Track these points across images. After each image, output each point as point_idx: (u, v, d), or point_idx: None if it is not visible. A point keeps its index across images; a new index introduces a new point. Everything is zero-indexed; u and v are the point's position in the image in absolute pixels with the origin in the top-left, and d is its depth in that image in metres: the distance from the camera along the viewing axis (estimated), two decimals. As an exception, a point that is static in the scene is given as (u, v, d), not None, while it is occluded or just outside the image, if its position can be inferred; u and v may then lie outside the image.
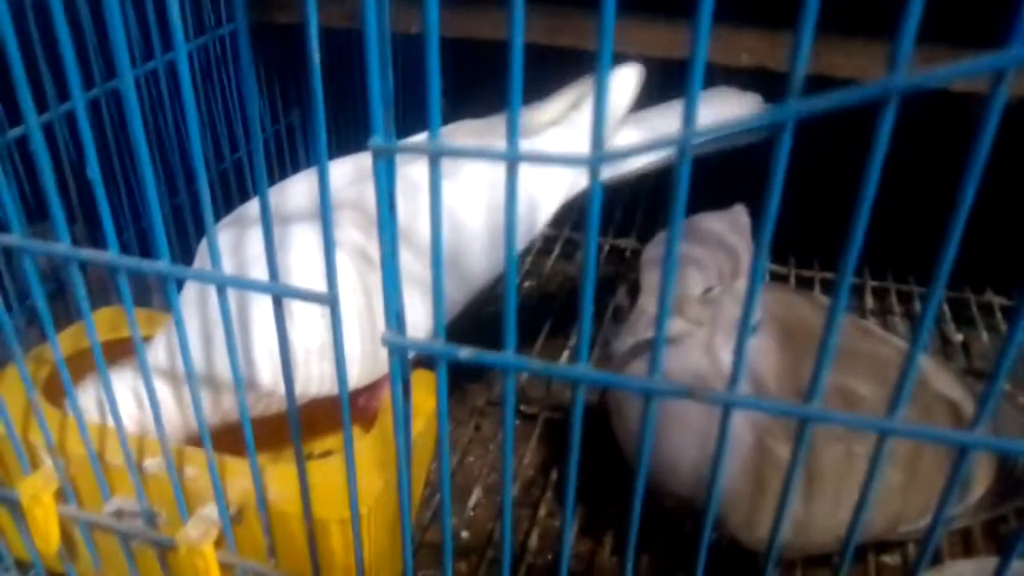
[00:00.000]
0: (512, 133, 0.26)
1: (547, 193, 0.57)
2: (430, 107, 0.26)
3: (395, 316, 0.32)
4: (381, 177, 0.28)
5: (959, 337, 0.89)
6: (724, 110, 0.61)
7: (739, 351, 0.28)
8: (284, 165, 0.93)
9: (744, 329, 0.27)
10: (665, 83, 0.66)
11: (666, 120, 0.61)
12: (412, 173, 0.51)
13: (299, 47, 0.89)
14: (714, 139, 0.58)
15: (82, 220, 0.68)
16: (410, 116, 1.04)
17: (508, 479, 0.33)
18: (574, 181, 0.59)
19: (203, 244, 0.56)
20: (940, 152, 0.70)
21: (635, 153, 0.26)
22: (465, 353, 0.30)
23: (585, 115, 0.60)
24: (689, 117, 0.24)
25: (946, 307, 0.92)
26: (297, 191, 0.54)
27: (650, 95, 0.64)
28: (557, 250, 1.02)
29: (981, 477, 0.53)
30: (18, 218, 0.39)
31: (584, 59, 0.70)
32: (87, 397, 0.52)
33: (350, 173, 0.55)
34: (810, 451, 0.48)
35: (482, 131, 0.59)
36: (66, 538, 0.52)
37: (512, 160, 0.26)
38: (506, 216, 0.27)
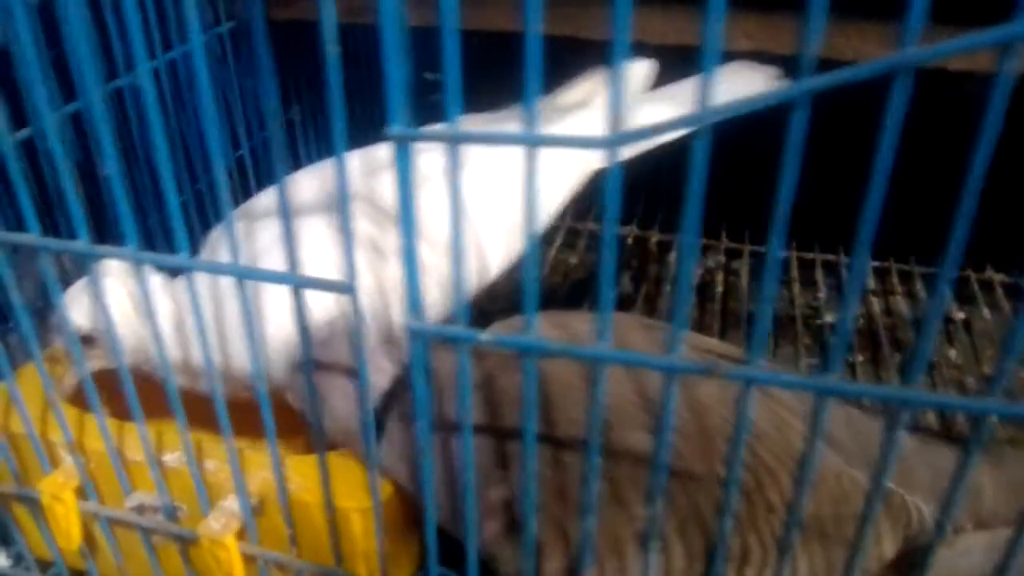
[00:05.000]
0: (531, 117, 0.26)
1: (556, 180, 0.58)
2: (448, 94, 0.27)
3: (415, 303, 0.32)
4: (401, 164, 0.29)
5: (961, 315, 0.90)
6: (739, 84, 0.62)
7: (760, 322, 0.28)
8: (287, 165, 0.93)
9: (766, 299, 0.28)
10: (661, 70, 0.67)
11: (682, 95, 0.62)
12: (418, 163, 0.51)
13: (299, 43, 0.89)
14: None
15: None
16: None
17: (531, 463, 0.34)
18: (584, 167, 0.59)
19: (210, 238, 0.56)
20: (933, 133, 0.70)
21: (652, 134, 0.26)
22: (486, 337, 0.31)
23: (597, 105, 0.61)
24: (706, 95, 0.25)
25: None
26: (305, 184, 0.55)
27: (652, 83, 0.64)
28: (559, 240, 1.02)
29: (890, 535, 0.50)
30: (35, 217, 0.40)
31: (587, 51, 0.70)
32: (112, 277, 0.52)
33: (358, 167, 0.55)
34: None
35: (488, 124, 0.60)
36: (87, 535, 0.52)
37: (531, 144, 0.27)
38: (526, 200, 0.28)
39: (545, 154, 0.57)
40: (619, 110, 0.25)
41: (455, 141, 0.28)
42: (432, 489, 0.37)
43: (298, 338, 0.50)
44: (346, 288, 0.34)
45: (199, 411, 0.46)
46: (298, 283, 0.35)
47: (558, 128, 0.58)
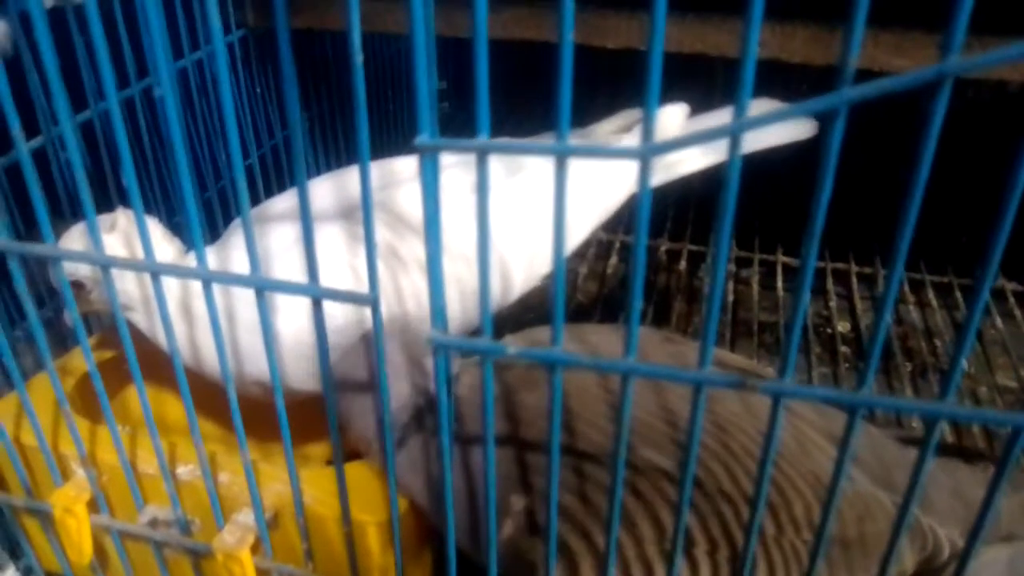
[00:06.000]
0: (562, 127, 0.26)
1: (588, 206, 0.58)
2: (478, 106, 0.26)
3: (440, 315, 0.32)
4: (428, 175, 0.28)
5: (972, 324, 0.90)
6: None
7: (791, 336, 0.28)
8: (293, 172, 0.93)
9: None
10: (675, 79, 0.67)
11: (716, 123, 0.62)
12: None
13: (308, 52, 0.89)
14: (762, 133, 0.60)
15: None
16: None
17: (554, 475, 0.33)
18: (616, 192, 0.60)
19: (216, 245, 0.56)
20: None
21: (686, 144, 0.26)
22: (512, 350, 0.30)
23: (631, 137, 0.62)
24: (740, 107, 0.25)
25: (959, 294, 0.92)
26: (321, 192, 0.54)
27: (668, 89, 0.64)
28: (567, 249, 1.02)
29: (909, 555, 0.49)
30: (50, 227, 0.39)
31: (603, 59, 0.70)
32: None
33: (375, 177, 0.55)
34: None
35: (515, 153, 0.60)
36: (98, 549, 0.52)
37: (561, 154, 0.26)
38: (555, 212, 0.27)
39: (580, 180, 0.58)
40: (651, 120, 0.25)
41: (484, 152, 0.27)
42: (452, 503, 0.37)
43: (311, 337, 0.50)
44: (369, 300, 0.33)
45: (205, 399, 0.46)
46: (319, 294, 0.34)
47: (590, 161, 0.59)
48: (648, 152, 0.25)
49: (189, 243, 0.53)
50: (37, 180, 0.38)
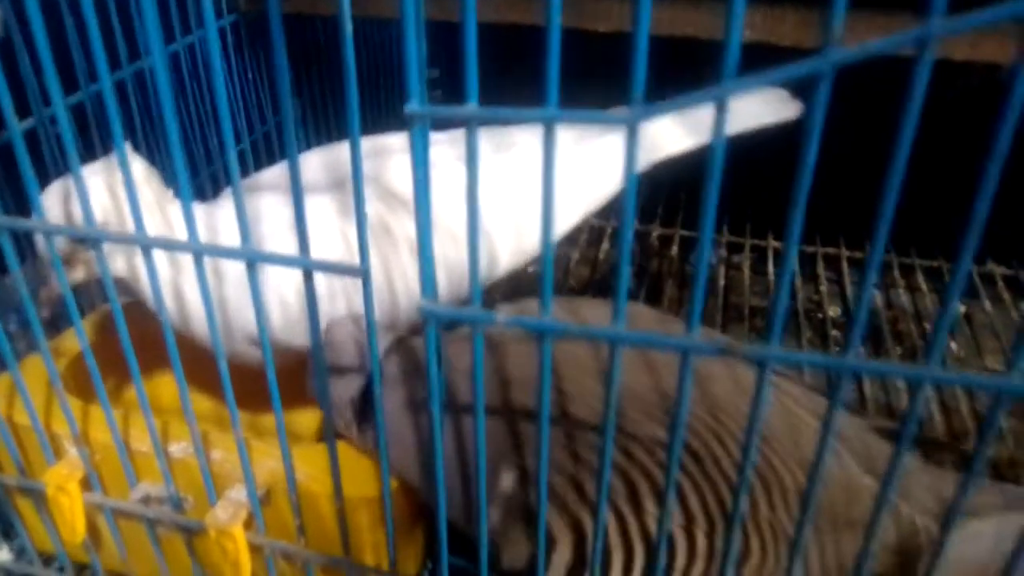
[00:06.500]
0: (550, 94, 0.26)
1: (581, 193, 0.59)
2: (467, 72, 0.27)
3: (430, 284, 0.32)
4: (417, 143, 0.29)
5: (961, 308, 0.90)
6: (754, 107, 0.62)
7: (777, 303, 0.28)
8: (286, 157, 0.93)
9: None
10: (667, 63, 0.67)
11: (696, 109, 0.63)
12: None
13: (300, 38, 0.89)
14: (748, 111, 0.60)
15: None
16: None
17: (544, 448, 0.33)
18: (609, 184, 0.60)
19: (206, 205, 0.55)
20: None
21: (673, 108, 0.26)
22: (502, 318, 0.31)
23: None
24: (726, 72, 0.25)
25: (948, 278, 0.93)
26: (311, 165, 0.55)
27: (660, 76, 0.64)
28: (560, 235, 1.02)
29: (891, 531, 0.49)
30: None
31: (593, 42, 0.70)
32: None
33: (365, 150, 0.55)
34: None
35: (498, 136, 0.60)
36: (90, 528, 0.52)
37: (550, 120, 0.26)
38: (544, 179, 0.27)
39: (570, 166, 0.58)
40: (640, 84, 0.25)
41: (475, 120, 0.27)
42: (442, 476, 0.37)
43: (295, 292, 0.50)
44: (359, 272, 0.34)
45: (197, 378, 0.46)
46: (310, 266, 0.34)
47: (580, 150, 0.59)
48: (636, 117, 0.26)
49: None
50: (29, 161, 0.38)
